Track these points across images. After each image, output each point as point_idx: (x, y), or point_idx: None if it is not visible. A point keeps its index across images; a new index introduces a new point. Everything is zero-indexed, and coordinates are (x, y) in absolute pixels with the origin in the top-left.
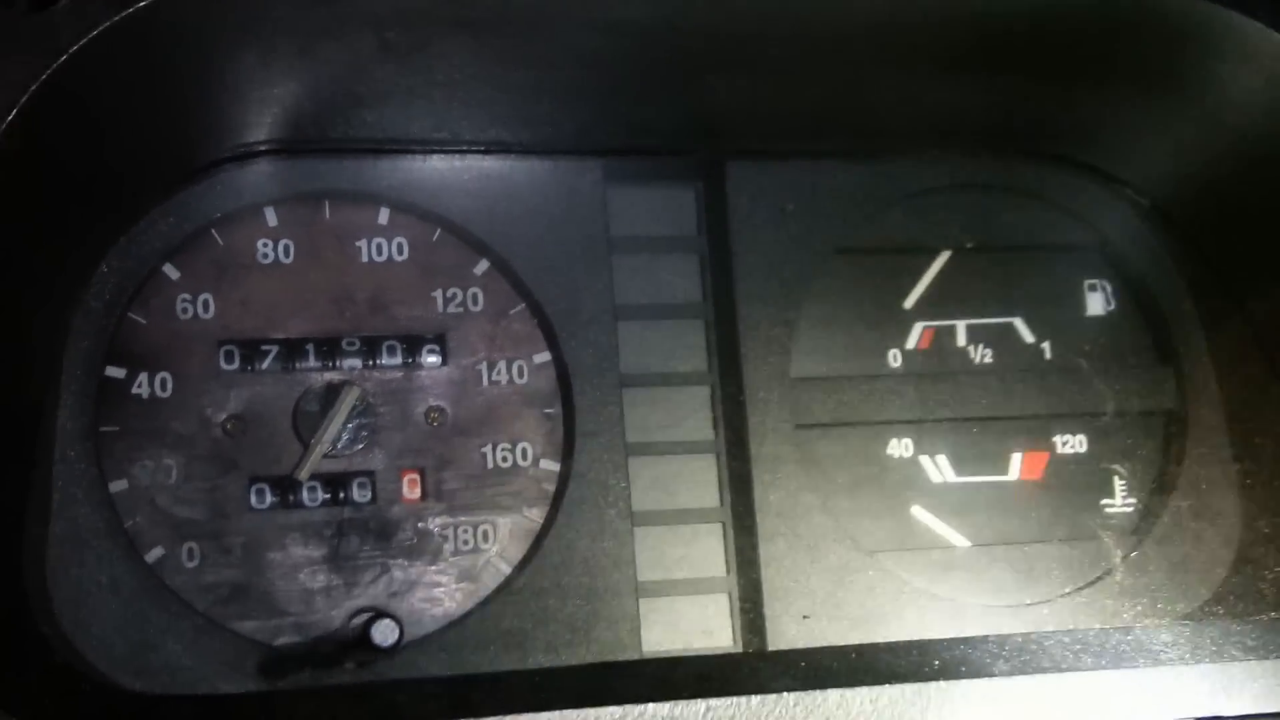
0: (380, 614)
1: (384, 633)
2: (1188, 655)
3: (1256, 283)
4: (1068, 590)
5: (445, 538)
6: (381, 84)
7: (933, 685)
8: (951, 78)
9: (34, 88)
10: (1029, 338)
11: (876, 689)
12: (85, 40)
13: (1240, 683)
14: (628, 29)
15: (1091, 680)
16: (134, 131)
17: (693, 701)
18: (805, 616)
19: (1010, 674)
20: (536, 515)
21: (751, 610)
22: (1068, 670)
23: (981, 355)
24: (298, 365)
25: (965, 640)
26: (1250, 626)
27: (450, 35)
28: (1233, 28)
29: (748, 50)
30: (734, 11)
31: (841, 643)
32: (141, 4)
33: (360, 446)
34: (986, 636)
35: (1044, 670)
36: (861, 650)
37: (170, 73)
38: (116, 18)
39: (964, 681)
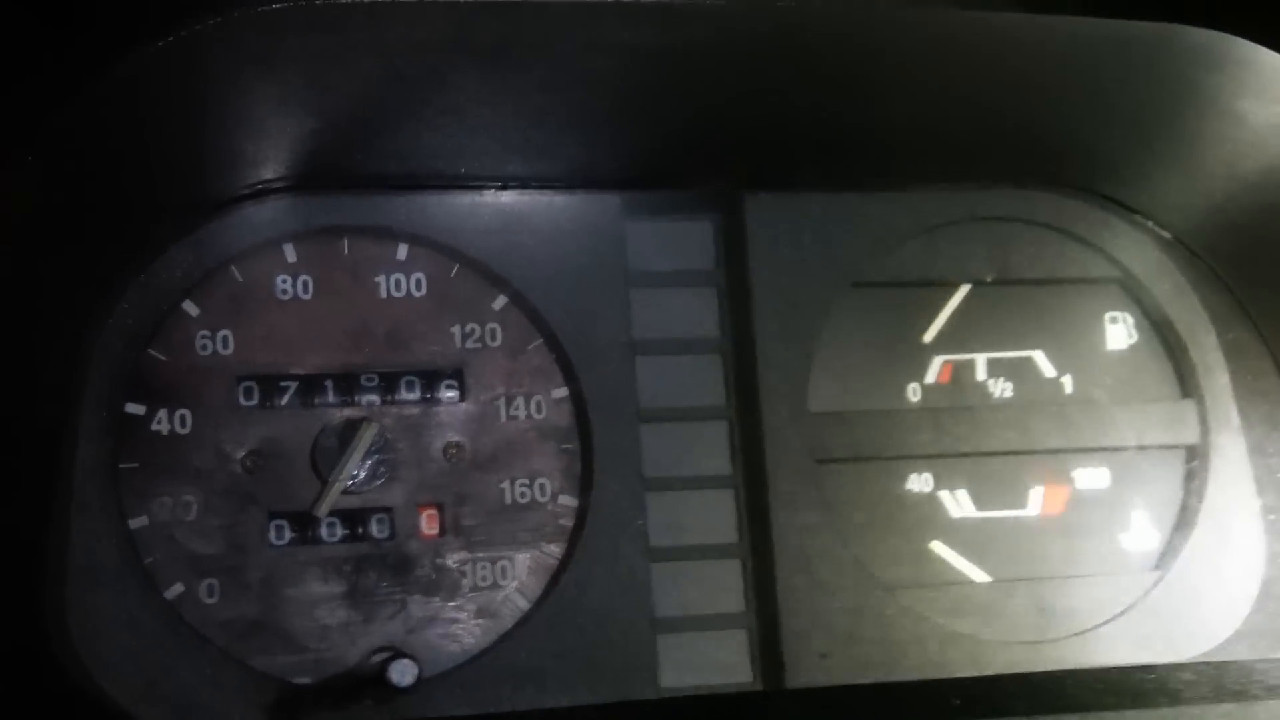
0: (399, 653)
1: (402, 672)
2: (1209, 695)
3: (1279, 313)
4: (1088, 627)
5: (463, 573)
6: (397, 116)
7: None
8: (971, 110)
9: (50, 126)
10: (1049, 372)
11: None
12: (101, 78)
13: None
14: (640, 57)
15: None
16: (152, 168)
17: None
18: (823, 655)
19: (1030, 714)
20: (555, 550)
21: (769, 647)
22: (1088, 711)
23: (1001, 389)
24: (316, 401)
25: (985, 679)
26: (1273, 665)
27: (462, 65)
28: (1253, 60)
29: (762, 80)
30: (746, 41)
31: (860, 680)
32: (158, 43)
33: (379, 482)
34: (1006, 675)
35: (1064, 710)
36: (880, 689)
37: (186, 110)
38: (132, 55)
39: None
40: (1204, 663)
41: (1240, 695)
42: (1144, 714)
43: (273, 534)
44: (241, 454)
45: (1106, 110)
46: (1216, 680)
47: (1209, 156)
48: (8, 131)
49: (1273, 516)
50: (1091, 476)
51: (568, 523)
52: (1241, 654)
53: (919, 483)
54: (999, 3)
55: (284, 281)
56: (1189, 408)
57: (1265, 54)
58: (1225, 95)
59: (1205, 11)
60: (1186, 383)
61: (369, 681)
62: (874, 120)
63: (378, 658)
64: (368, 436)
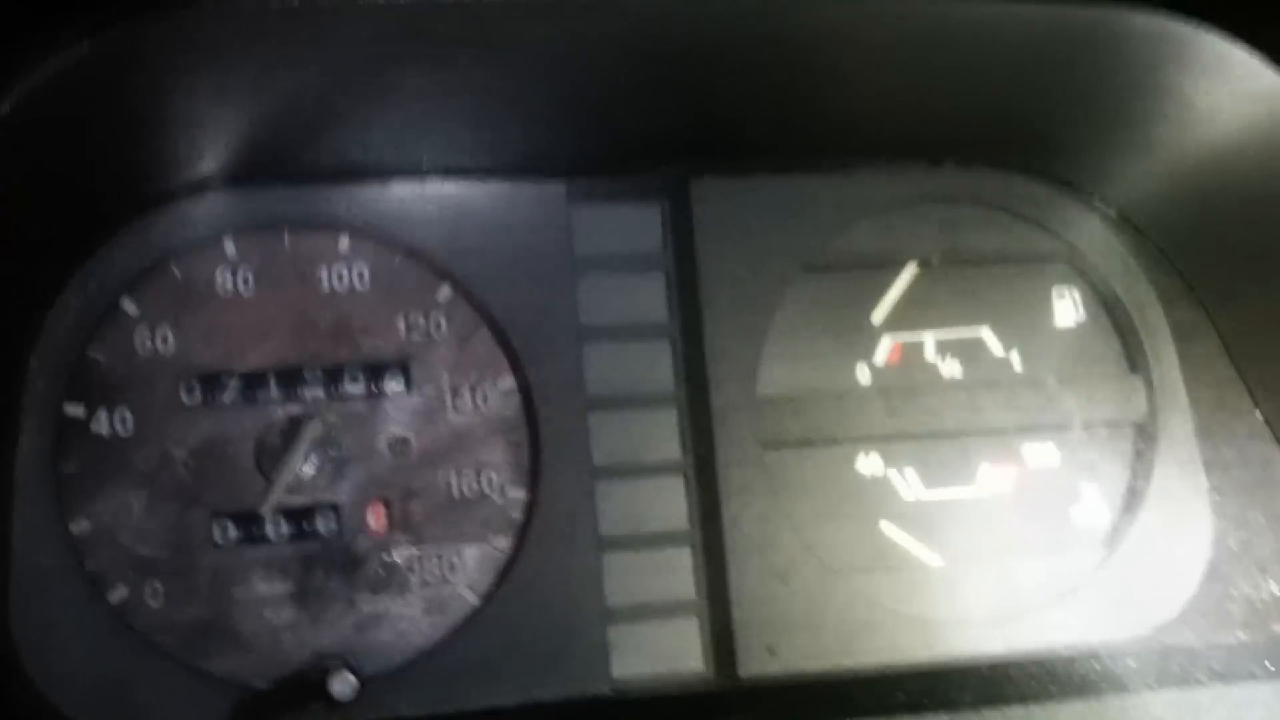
0: (339, 664)
1: (342, 687)
2: (1154, 681)
3: (1226, 293)
4: (1037, 606)
5: (412, 570)
6: (338, 112)
7: None
8: (918, 92)
9: None
10: (998, 350)
11: None
12: (36, 78)
13: (1207, 708)
14: (582, 46)
15: (1058, 711)
16: (87, 165)
17: None
18: (773, 645)
19: (977, 705)
20: (504, 544)
21: (722, 635)
22: (1034, 701)
23: (950, 369)
24: (260, 397)
25: (932, 672)
26: (1217, 650)
27: (404, 62)
28: (1198, 43)
29: (706, 64)
30: (688, 26)
31: (813, 667)
32: (92, 41)
33: (324, 479)
34: (953, 666)
35: (1011, 701)
36: (829, 683)
37: (123, 107)
38: (68, 54)
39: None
40: (1149, 648)
41: (1184, 681)
42: (1089, 703)
43: (217, 534)
44: (184, 453)
45: (1054, 92)
46: (1161, 666)
47: (1156, 137)
48: None
49: (1219, 497)
50: (1040, 454)
51: (516, 515)
52: (1186, 634)
53: (868, 465)
54: None
55: (224, 277)
56: (1136, 384)
57: (1210, 37)
58: (1171, 78)
59: None
60: (1134, 360)
61: (314, 689)
62: (821, 102)
63: (322, 665)
64: (312, 432)
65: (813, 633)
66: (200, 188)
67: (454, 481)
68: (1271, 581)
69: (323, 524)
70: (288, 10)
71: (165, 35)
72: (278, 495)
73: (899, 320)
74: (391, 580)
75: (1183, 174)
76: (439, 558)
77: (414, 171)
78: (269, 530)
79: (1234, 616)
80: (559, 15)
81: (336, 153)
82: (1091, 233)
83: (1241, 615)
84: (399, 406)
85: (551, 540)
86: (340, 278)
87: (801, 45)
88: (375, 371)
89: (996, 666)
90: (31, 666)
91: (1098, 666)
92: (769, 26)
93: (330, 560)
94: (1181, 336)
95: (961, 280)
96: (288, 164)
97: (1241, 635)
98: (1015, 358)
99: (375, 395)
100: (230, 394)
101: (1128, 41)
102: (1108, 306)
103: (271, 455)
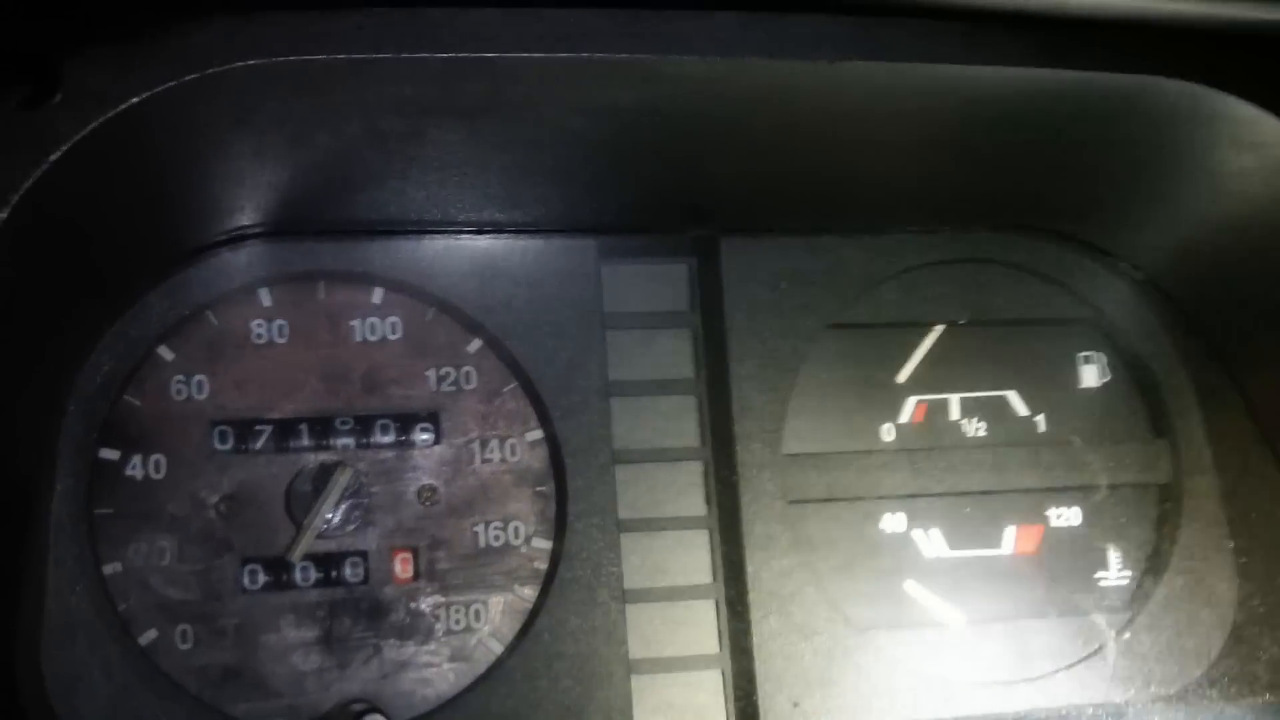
0: (370, 707)
1: None
2: None
3: (1252, 357)
4: (1060, 667)
5: (437, 618)
6: (374, 169)
7: None
8: (944, 157)
9: (27, 185)
10: (1023, 411)
11: None
12: (80, 136)
13: None
14: (617, 113)
15: None
16: (128, 218)
17: None
18: (795, 704)
19: None
20: (529, 594)
21: (744, 691)
22: None
23: (975, 429)
24: (291, 445)
25: None
26: (1243, 711)
27: (443, 122)
28: (1228, 110)
29: (737, 133)
30: (722, 98)
31: None
32: (134, 100)
33: (353, 526)
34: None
35: None
36: None
37: (164, 163)
38: (111, 114)
39: None
40: (1175, 706)
41: None
42: None
43: (246, 579)
44: (216, 499)
45: (1081, 158)
46: None
47: (1184, 203)
48: None
49: (1243, 559)
50: (1065, 516)
51: (542, 566)
52: (1210, 697)
53: (893, 523)
54: (972, 58)
55: (259, 326)
56: (1162, 448)
57: (1238, 104)
58: (1199, 144)
59: (1180, 64)
60: (1159, 423)
61: None
62: (850, 170)
63: (355, 708)
64: (342, 481)
65: (834, 689)
66: (238, 240)
67: (480, 531)
68: None
69: (350, 571)
70: (328, 69)
71: (208, 93)
72: (307, 542)
73: (924, 380)
74: (417, 628)
75: (1210, 240)
76: (464, 607)
77: (447, 227)
78: (297, 576)
79: (1259, 679)
80: (593, 81)
81: (371, 207)
82: (1118, 297)
83: (1267, 677)
84: (428, 456)
85: (576, 592)
86: (373, 329)
87: (833, 117)
88: (405, 422)
89: None
90: (60, 705)
91: None
92: (802, 100)
93: (357, 607)
94: (1207, 400)
95: (987, 341)
96: (324, 218)
97: (1269, 697)
98: (1040, 419)
99: (404, 445)
100: (262, 441)
101: (1158, 108)
102: (1134, 370)
103: (301, 502)
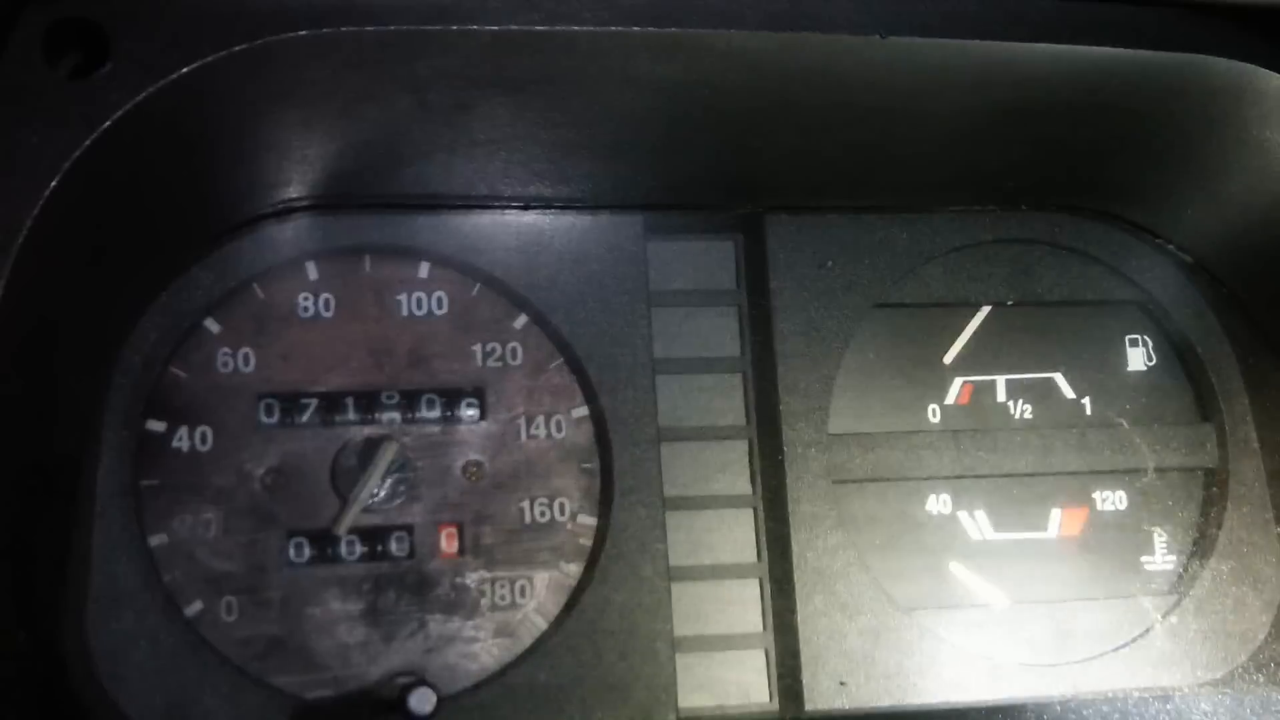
0: (420, 680)
1: (421, 700)
2: None
3: None
4: (1106, 650)
5: (482, 593)
6: (422, 143)
7: None
8: (993, 136)
9: (77, 154)
10: (1069, 394)
11: None
12: (129, 107)
13: None
14: (665, 89)
15: None
16: (175, 190)
17: None
18: (842, 683)
19: None
20: (574, 570)
21: (788, 670)
22: None
23: (1021, 411)
24: (337, 419)
25: (1002, 708)
26: None
27: (491, 95)
28: (1275, 90)
29: (786, 110)
30: (771, 73)
31: (878, 704)
32: (184, 70)
33: (398, 501)
34: (1024, 703)
35: None
36: (897, 716)
37: (212, 134)
38: (158, 84)
39: None
40: (1221, 691)
41: None
42: None
43: (292, 552)
44: (261, 472)
45: (1129, 137)
46: (1234, 711)
47: (1230, 183)
48: (38, 158)
49: None
50: (1110, 499)
51: (587, 542)
52: (1257, 681)
53: (938, 504)
54: (1022, 35)
55: (306, 300)
56: (1208, 431)
57: None
58: (1247, 124)
59: (1228, 43)
60: (1206, 406)
61: (387, 705)
62: (897, 148)
63: (401, 680)
64: (388, 455)
65: (879, 668)
66: (285, 213)
67: (526, 507)
68: None
69: (395, 545)
70: (378, 41)
71: (258, 64)
72: (352, 516)
73: (970, 361)
74: (462, 603)
75: (1258, 221)
76: (510, 582)
77: (494, 201)
78: (343, 550)
79: None
80: (642, 55)
81: (418, 182)
82: (1166, 279)
83: None
84: (473, 432)
85: (621, 569)
86: (419, 304)
87: (882, 94)
88: (451, 397)
89: (1065, 707)
90: (105, 676)
91: (1170, 709)
92: (851, 76)
93: (402, 581)
94: (1254, 384)
95: (1034, 323)
96: (371, 191)
97: None
98: (1087, 401)
99: (450, 420)
100: (308, 415)
101: (1207, 88)
102: (1180, 352)
103: (347, 476)
